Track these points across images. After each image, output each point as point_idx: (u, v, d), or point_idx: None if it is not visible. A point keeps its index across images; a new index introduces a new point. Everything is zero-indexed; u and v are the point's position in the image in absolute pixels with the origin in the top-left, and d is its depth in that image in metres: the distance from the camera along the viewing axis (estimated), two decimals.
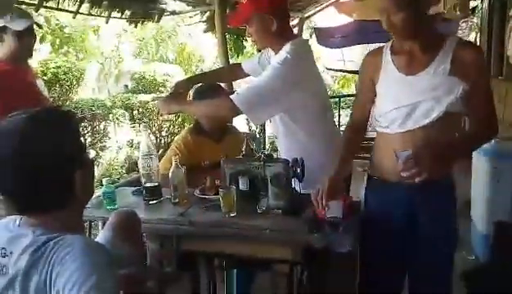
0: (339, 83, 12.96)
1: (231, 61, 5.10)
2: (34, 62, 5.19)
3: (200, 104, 2.08)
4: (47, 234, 0.95)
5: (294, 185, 1.74)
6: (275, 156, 1.94)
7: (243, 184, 1.78)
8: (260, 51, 2.18)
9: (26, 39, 2.33)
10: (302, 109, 1.83)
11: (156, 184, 1.90)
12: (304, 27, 8.17)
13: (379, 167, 1.66)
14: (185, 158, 2.25)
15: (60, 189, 1.01)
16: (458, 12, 4.75)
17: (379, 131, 1.66)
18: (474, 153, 2.98)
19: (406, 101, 1.53)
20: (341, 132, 2.22)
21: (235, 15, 2.22)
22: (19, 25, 2.27)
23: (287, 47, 1.79)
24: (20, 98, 2.18)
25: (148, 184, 1.89)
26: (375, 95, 1.65)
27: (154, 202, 1.89)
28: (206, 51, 12.50)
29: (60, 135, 1.01)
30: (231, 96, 1.74)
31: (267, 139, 5.92)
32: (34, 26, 2.41)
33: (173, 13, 5.71)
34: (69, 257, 0.90)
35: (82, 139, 1.13)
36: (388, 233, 1.63)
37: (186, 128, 2.60)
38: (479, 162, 2.93)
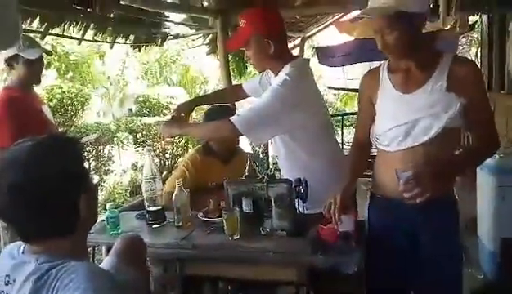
0: (341, 101, 13.01)
1: (234, 83, 5.15)
2: (40, 88, 5.27)
3: (201, 127, 2.10)
4: (50, 262, 0.95)
5: (297, 206, 1.73)
6: (278, 176, 1.94)
7: (246, 206, 1.78)
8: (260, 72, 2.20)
9: (36, 67, 2.43)
10: (302, 129, 1.83)
11: (160, 207, 1.90)
12: (306, 46, 8.28)
13: (381, 184, 1.66)
14: (192, 177, 2.29)
15: (66, 216, 1.01)
16: (458, 29, 4.79)
17: (379, 149, 1.66)
18: (478, 170, 2.96)
19: (405, 119, 1.54)
20: (344, 150, 2.23)
21: (233, 38, 2.25)
22: (31, 54, 2.37)
23: (286, 69, 1.80)
24: (29, 124, 2.26)
25: (151, 208, 1.89)
26: (375, 114, 1.66)
27: (158, 225, 1.89)
28: (209, 73, 12.64)
29: (64, 162, 1.01)
30: (232, 118, 1.74)
31: (270, 159, 5.92)
32: (43, 53, 2.51)
33: (177, 37, 5.82)
34: (73, 284, 0.90)
35: (86, 164, 1.14)
36: (390, 252, 1.61)
37: (195, 148, 2.63)
38: (484, 178, 2.91)
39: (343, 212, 1.55)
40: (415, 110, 1.52)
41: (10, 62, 2.40)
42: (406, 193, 1.39)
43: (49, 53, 2.68)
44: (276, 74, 1.86)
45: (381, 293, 1.67)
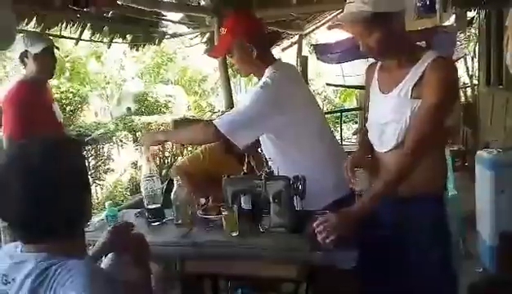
0: (340, 98, 13.02)
1: (232, 81, 5.14)
2: None
3: (184, 131, 2.14)
4: (49, 260, 0.95)
5: (295, 203, 1.74)
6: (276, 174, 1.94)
7: (245, 203, 1.79)
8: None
9: (44, 60, 2.46)
10: (291, 131, 1.83)
11: (159, 205, 1.91)
12: (303, 44, 8.27)
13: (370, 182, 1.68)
14: (205, 163, 2.37)
15: (71, 217, 1.02)
16: (455, 24, 4.79)
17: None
18: (477, 164, 2.97)
19: (378, 121, 1.56)
20: (343, 146, 2.24)
21: (216, 46, 2.27)
22: (36, 48, 2.41)
23: (267, 72, 1.83)
24: (36, 119, 2.31)
25: (151, 206, 1.90)
26: None
27: (157, 223, 1.89)
28: (208, 72, 12.64)
29: (73, 163, 1.03)
30: (214, 121, 1.78)
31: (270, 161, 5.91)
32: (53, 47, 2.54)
33: (174, 36, 5.81)
34: (71, 282, 0.90)
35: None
36: (376, 247, 1.60)
37: (217, 142, 2.65)
38: (482, 172, 2.92)
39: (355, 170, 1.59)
40: (385, 113, 1.52)
41: (22, 58, 2.46)
42: (318, 234, 1.44)
43: (57, 48, 2.66)
44: (260, 79, 1.88)
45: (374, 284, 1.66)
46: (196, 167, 2.02)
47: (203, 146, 2.49)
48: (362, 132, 1.82)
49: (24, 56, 2.46)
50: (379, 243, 1.59)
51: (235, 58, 1.89)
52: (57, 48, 2.63)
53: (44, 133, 2.15)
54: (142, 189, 1.90)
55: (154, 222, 1.89)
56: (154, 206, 1.90)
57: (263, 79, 1.81)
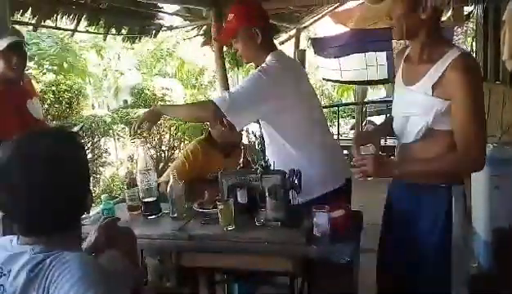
0: (337, 92, 13.03)
1: (229, 74, 5.12)
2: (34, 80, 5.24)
3: (185, 108, 2.13)
4: (44, 252, 0.96)
5: (291, 196, 1.74)
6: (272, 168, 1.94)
7: (241, 197, 1.79)
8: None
9: (11, 58, 2.21)
10: (286, 118, 1.85)
11: (155, 198, 1.91)
12: (301, 37, 8.24)
13: None
14: (191, 168, 2.31)
15: (74, 212, 1.05)
16: (452, 19, 4.78)
17: None
18: None
19: (400, 113, 1.58)
20: (340, 141, 2.27)
21: (221, 31, 2.28)
22: (5, 41, 2.17)
23: (267, 58, 1.87)
24: (5, 117, 2.16)
25: (147, 200, 1.89)
26: None
27: (153, 216, 1.89)
28: (205, 64, 12.61)
29: (73, 156, 1.04)
30: (214, 99, 1.81)
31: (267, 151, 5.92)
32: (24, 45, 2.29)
33: (171, 28, 5.79)
34: (66, 274, 0.91)
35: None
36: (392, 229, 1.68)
37: (196, 139, 2.62)
38: None
39: (360, 145, 1.63)
40: (408, 105, 1.54)
41: None
42: (354, 168, 1.51)
43: (25, 43, 2.35)
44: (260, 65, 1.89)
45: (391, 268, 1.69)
46: (184, 175, 2.00)
47: (184, 151, 2.46)
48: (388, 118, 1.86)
49: None
50: (393, 227, 1.67)
51: (240, 43, 1.92)
52: (27, 44, 2.37)
53: (13, 132, 1.97)
54: (138, 183, 1.90)
55: (150, 215, 1.89)
56: (150, 199, 1.90)
57: (263, 64, 1.85)
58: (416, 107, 1.50)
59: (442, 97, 1.44)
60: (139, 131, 1.87)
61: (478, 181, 2.92)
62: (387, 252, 1.72)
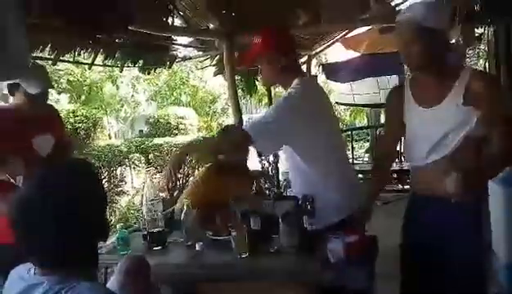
0: (350, 116, 13.03)
1: (242, 102, 5.18)
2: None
3: (216, 140, 2.11)
4: (60, 283, 0.97)
5: (305, 223, 1.74)
6: (288, 194, 1.95)
7: (254, 224, 1.79)
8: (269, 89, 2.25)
9: (36, 101, 2.18)
10: (310, 146, 1.85)
11: (161, 229, 1.90)
12: (313, 64, 8.32)
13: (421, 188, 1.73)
14: (201, 195, 2.28)
15: (93, 242, 1.08)
16: (461, 41, 4.78)
17: (408, 161, 1.80)
18: (490, 182, 2.92)
19: (428, 134, 1.61)
20: (354, 165, 2.27)
21: (245, 55, 2.31)
22: (32, 88, 2.14)
23: (294, 83, 1.87)
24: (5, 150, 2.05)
25: (152, 230, 1.89)
26: (403, 128, 1.75)
27: (159, 248, 1.88)
28: (218, 93, 12.79)
29: (93, 189, 1.08)
30: (244, 126, 1.85)
31: (280, 176, 5.91)
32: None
33: (184, 59, 5.91)
34: None
35: None
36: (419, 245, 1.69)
37: (206, 166, 2.57)
38: (495, 190, 2.87)
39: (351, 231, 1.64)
40: (437, 124, 1.58)
41: (11, 89, 2.20)
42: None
43: (51, 86, 2.35)
44: (286, 89, 1.91)
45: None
46: (197, 202, 2.00)
47: (195, 179, 2.45)
48: (376, 160, 1.92)
49: (14, 88, 2.17)
50: (421, 242, 1.67)
51: (263, 65, 1.94)
52: (50, 86, 2.30)
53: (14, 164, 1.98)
54: (144, 214, 1.90)
55: (155, 246, 1.88)
56: (156, 229, 1.89)
57: (289, 89, 1.87)
58: (451, 120, 1.57)
59: (473, 106, 1.53)
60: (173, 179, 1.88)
61: (496, 204, 2.86)
62: (414, 273, 1.71)
